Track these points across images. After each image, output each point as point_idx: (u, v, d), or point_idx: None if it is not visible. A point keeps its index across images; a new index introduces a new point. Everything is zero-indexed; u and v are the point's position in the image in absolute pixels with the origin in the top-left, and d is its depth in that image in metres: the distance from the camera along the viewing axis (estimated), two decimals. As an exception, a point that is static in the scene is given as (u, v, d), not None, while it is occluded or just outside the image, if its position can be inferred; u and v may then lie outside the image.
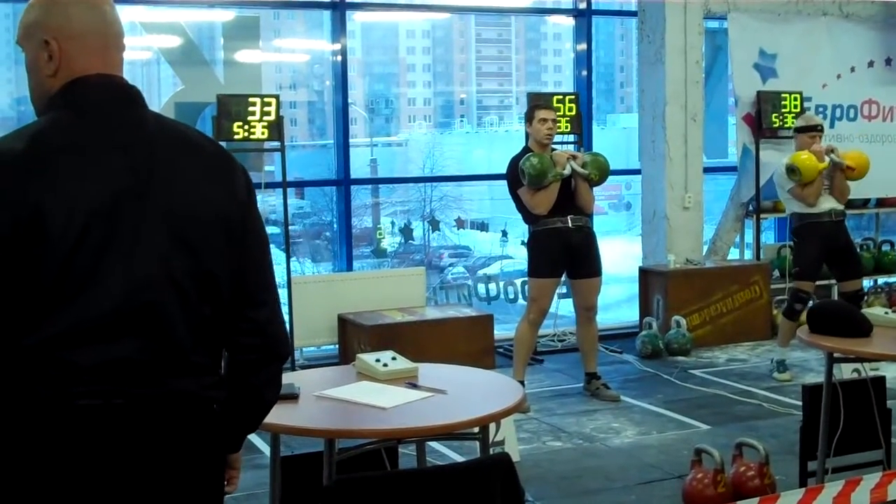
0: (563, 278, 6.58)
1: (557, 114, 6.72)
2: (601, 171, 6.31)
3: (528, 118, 6.38)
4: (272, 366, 2.11)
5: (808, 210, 6.69)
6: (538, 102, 6.86)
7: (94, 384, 1.84)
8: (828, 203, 6.71)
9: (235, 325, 2.04)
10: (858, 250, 8.01)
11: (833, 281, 7.51)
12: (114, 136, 1.92)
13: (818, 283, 7.12)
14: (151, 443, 1.89)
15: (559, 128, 6.74)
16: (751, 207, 8.92)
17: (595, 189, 6.47)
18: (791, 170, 6.59)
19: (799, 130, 6.94)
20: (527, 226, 6.48)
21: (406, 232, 9.28)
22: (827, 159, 6.64)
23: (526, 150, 6.37)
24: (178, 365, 1.93)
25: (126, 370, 1.87)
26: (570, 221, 6.26)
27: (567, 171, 6.19)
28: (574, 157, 6.28)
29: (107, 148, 1.90)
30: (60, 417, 1.83)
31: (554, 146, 6.59)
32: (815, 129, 6.85)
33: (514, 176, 6.27)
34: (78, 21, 1.96)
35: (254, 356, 2.07)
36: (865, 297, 7.68)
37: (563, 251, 6.30)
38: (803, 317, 5.70)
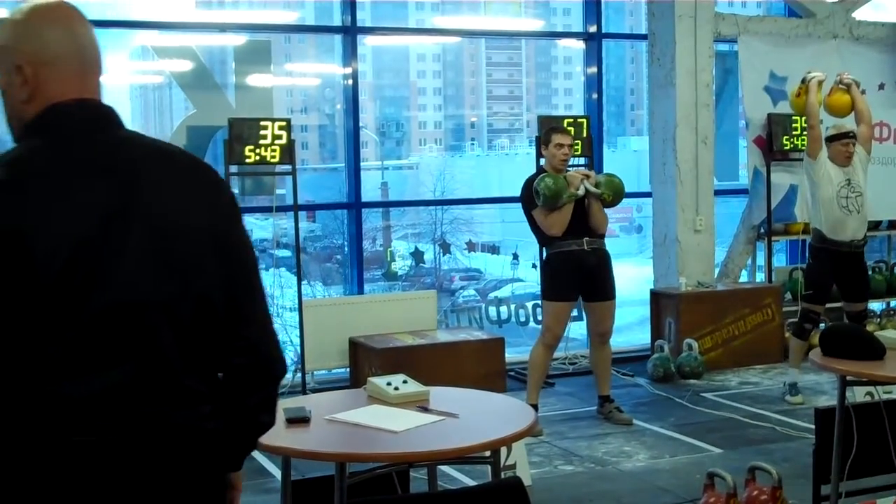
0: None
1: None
2: (615, 192, 6.30)
3: (545, 142, 6.38)
4: (266, 387, 2.04)
5: (830, 236, 6.62)
6: (555, 126, 6.82)
7: (89, 418, 1.78)
8: (850, 233, 6.63)
9: (228, 344, 1.97)
10: (871, 272, 7.97)
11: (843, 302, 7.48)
12: (95, 159, 1.85)
13: (829, 305, 7.08)
14: (149, 479, 1.83)
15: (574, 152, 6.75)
16: (762, 230, 8.90)
17: (606, 210, 6.46)
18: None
19: (830, 140, 6.69)
20: (541, 248, 6.47)
21: (417, 255, 9.29)
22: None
23: (541, 171, 6.39)
24: (172, 392, 1.86)
25: (120, 400, 1.80)
26: (585, 244, 6.25)
27: (581, 192, 6.19)
28: (587, 177, 6.29)
29: (89, 172, 1.83)
30: (57, 454, 1.77)
31: (568, 168, 6.59)
32: (847, 137, 6.67)
33: (528, 196, 6.28)
34: (54, 45, 1.89)
35: (247, 377, 2.00)
36: (868, 317, 7.60)
37: (578, 274, 6.29)
38: (815, 339, 5.68)
